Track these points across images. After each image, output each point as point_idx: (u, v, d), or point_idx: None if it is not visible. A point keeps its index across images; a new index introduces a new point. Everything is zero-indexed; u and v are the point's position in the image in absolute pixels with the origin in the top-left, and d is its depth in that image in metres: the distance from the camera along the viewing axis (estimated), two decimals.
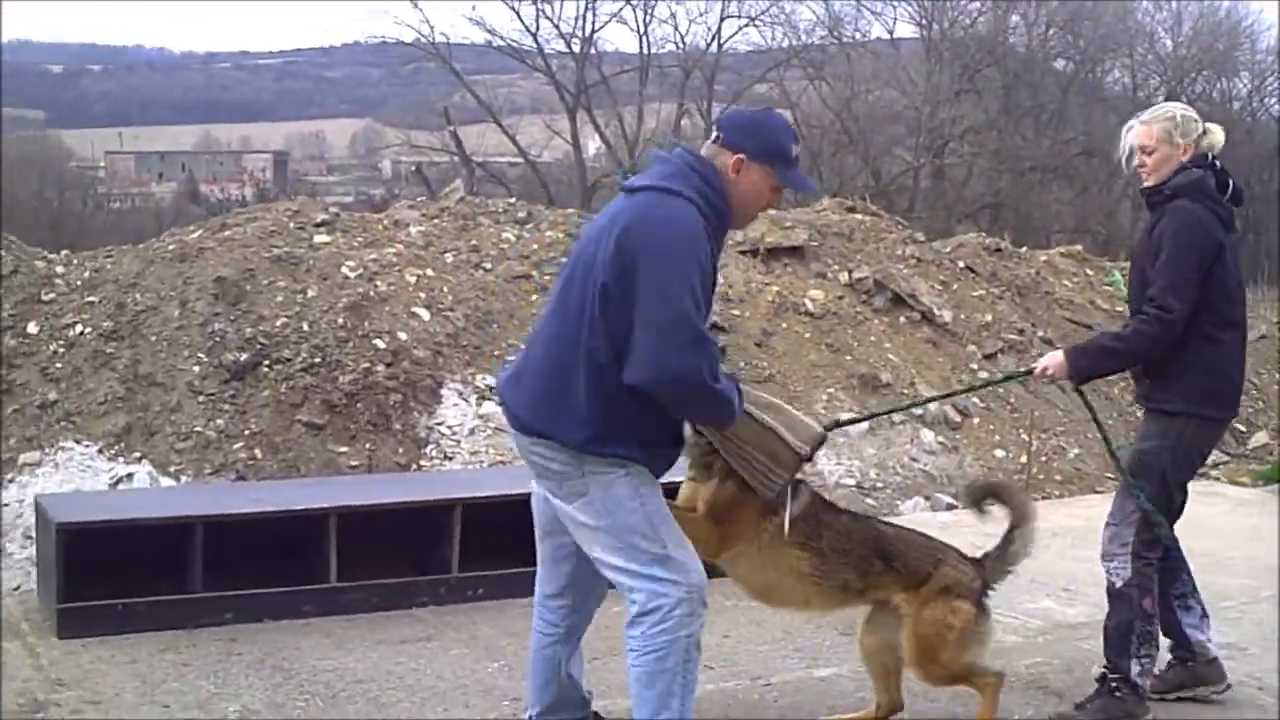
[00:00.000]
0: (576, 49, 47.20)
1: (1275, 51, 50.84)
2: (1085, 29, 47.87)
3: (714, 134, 4.62)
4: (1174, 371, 5.49)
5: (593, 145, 48.82)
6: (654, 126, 47.08)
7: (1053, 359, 5.60)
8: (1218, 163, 5.60)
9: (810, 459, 4.97)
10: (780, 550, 5.05)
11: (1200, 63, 50.83)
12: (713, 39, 48.34)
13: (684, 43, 49.03)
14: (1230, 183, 5.59)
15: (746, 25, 48.95)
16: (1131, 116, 5.77)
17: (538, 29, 46.85)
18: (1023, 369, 6.56)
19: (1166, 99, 50.43)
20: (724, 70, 48.67)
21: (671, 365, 4.27)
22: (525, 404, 4.60)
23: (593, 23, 47.17)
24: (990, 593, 5.34)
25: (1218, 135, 5.61)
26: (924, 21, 47.16)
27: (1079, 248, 15.59)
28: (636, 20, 48.99)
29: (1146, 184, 5.59)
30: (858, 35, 49.13)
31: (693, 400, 4.40)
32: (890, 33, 50.13)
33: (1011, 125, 43.58)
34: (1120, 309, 12.57)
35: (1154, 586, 5.61)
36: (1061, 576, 7.83)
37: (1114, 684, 5.60)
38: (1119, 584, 5.59)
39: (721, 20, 47.99)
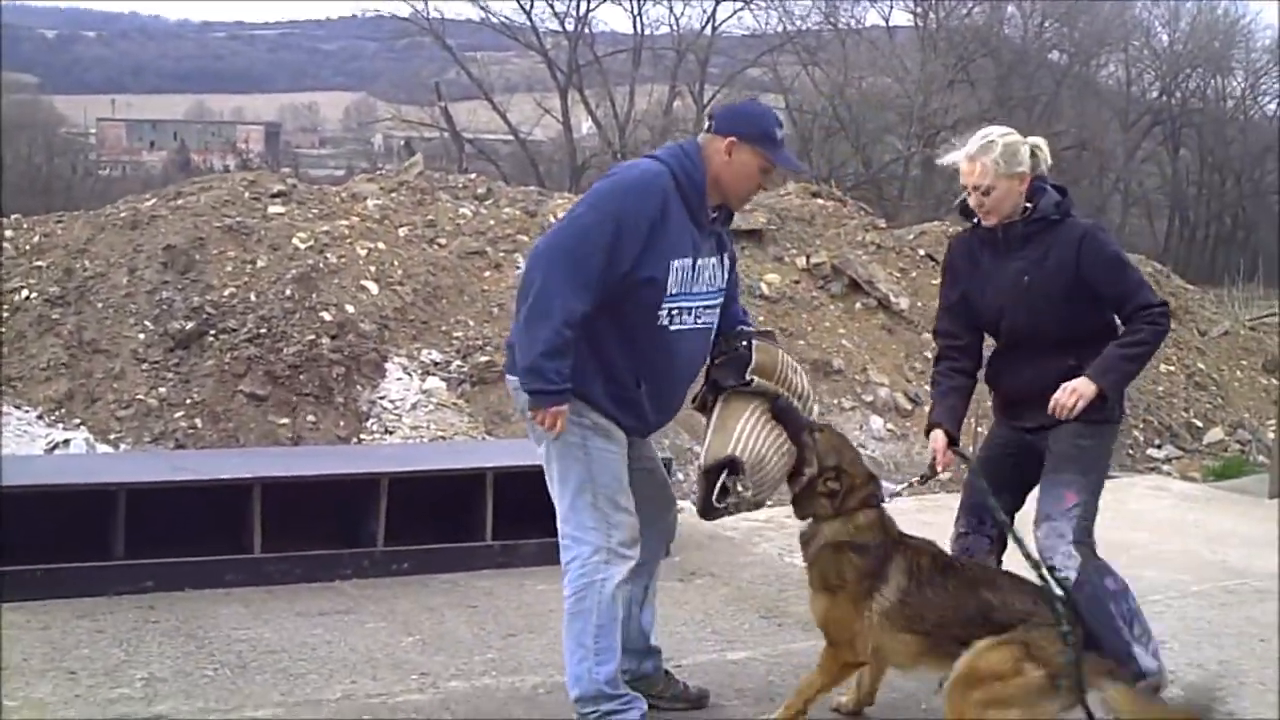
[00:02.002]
0: (570, 28, 47.10)
1: (1271, 50, 50.98)
2: (1081, 22, 47.89)
3: (708, 125, 5.00)
4: None
5: (584, 125, 48.68)
6: (645, 108, 47.03)
7: (1081, 388, 5.24)
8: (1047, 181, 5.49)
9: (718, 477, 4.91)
10: (889, 635, 4.98)
11: (1195, 60, 50.89)
12: (707, 22, 48.22)
13: (678, 25, 48.92)
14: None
15: (741, 9, 49.03)
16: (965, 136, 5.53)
17: (532, 7, 46.76)
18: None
19: (1160, 95, 50.83)
20: (717, 54, 48.55)
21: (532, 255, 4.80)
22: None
23: (587, 2, 47.07)
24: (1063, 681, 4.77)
25: (1046, 151, 5.45)
26: (919, 10, 47.23)
27: None
28: (631, 1, 48.76)
29: (993, 221, 5.35)
30: (853, 22, 49.27)
31: (523, 297, 4.67)
32: (886, 20, 50.24)
33: (1004, 116, 43.43)
34: None
35: (1108, 565, 5.40)
36: None
37: None
38: (1075, 575, 5.25)
39: (717, 3, 47.85)
